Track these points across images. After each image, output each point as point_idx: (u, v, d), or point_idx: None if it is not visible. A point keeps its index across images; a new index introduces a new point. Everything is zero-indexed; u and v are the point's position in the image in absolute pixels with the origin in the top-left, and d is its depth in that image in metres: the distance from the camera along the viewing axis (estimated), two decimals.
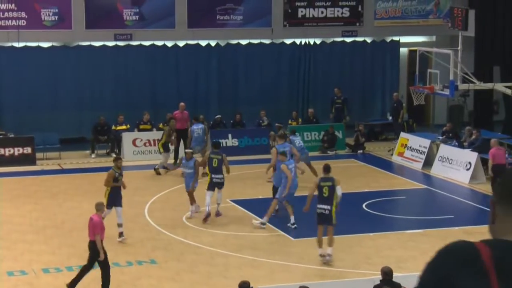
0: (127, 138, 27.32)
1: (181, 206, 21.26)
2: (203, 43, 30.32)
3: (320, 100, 31.47)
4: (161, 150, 25.14)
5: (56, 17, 28.44)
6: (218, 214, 20.04)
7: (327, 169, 17.12)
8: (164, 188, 23.33)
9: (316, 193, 16.89)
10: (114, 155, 24.29)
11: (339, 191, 16.64)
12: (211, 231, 19.00)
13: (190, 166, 20.22)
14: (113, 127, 28.00)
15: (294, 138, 23.33)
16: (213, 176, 19.82)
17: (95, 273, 15.56)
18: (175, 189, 23.27)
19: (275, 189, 19.92)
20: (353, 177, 24.38)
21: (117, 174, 18.73)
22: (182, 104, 26.98)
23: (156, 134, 27.32)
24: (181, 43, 30.11)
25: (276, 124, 26.74)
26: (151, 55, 29.80)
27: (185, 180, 20.50)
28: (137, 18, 29.25)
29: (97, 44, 29.33)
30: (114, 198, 18.51)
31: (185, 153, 20.87)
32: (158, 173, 24.93)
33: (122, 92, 29.64)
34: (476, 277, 2.56)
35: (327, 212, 16.65)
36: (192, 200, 20.16)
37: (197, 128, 25.25)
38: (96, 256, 15.40)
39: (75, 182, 24.11)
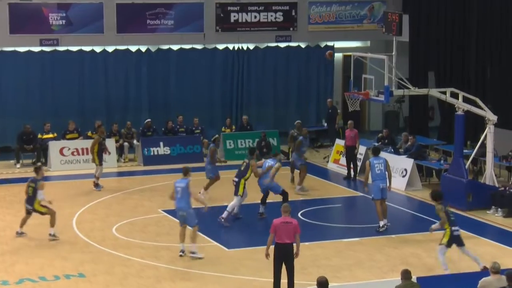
0: (54, 147, 26.92)
1: (110, 217, 21.04)
2: (133, 48, 30.10)
3: (254, 106, 31.50)
4: (97, 161, 24.25)
5: None
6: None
7: None
8: (93, 198, 23.03)
9: None
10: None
11: None
12: (142, 243, 18.78)
13: None
14: (39, 136, 27.59)
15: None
16: None
17: None
18: (104, 199, 23.01)
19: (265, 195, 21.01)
20: (288, 185, 24.38)
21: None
22: None
23: (84, 143, 26.97)
24: (110, 49, 29.83)
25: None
26: (78, 61, 29.47)
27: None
28: (63, 23, 28.87)
29: (22, 49, 28.90)
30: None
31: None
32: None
33: (48, 100, 29.24)
34: None
35: None
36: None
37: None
38: None
39: None
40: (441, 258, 16.46)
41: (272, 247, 14.99)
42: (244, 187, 20.71)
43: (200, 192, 22.57)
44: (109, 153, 25.38)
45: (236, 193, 20.72)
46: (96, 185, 24.01)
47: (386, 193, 19.92)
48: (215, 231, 19.71)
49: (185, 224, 17.86)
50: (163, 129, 29.01)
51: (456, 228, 16.53)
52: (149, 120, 28.94)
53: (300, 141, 24.46)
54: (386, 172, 20.01)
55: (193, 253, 17.68)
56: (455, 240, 16.49)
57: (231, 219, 20.60)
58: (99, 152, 24.21)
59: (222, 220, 20.39)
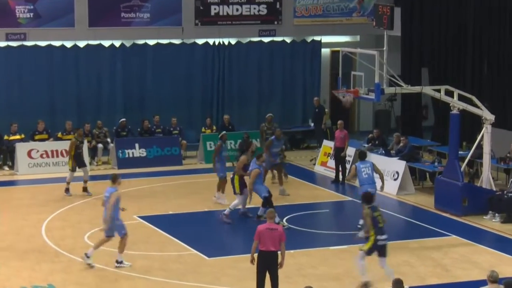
0: (21, 149, 26.84)
1: (82, 224, 21.00)
2: (106, 43, 30.05)
3: (236, 105, 31.51)
4: (70, 166, 24.05)
5: None
6: None
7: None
8: (64, 204, 22.99)
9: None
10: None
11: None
12: (116, 251, 18.76)
13: None
14: (6, 137, 27.49)
15: None
16: None
17: None
18: (75, 205, 22.96)
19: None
20: (271, 189, 24.39)
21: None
22: None
23: (54, 145, 26.92)
24: (81, 44, 29.77)
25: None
26: (48, 57, 29.35)
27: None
28: (31, 16, 28.79)
29: None
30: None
31: None
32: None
33: (15, 98, 29.11)
34: None
35: None
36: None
37: None
38: None
39: None
40: (359, 264, 16.28)
41: (255, 254, 15.06)
42: (239, 184, 21.29)
43: (215, 196, 22.70)
44: (84, 163, 24.58)
45: (234, 192, 21.47)
46: (67, 190, 23.95)
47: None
48: (194, 239, 19.72)
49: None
50: (138, 129, 28.97)
51: (383, 237, 16.26)
52: (123, 119, 28.91)
53: (271, 141, 24.41)
54: (377, 175, 20.21)
55: (119, 262, 17.79)
56: (378, 249, 16.17)
57: (240, 215, 21.34)
58: (75, 156, 24.06)
59: (224, 216, 21.09)
